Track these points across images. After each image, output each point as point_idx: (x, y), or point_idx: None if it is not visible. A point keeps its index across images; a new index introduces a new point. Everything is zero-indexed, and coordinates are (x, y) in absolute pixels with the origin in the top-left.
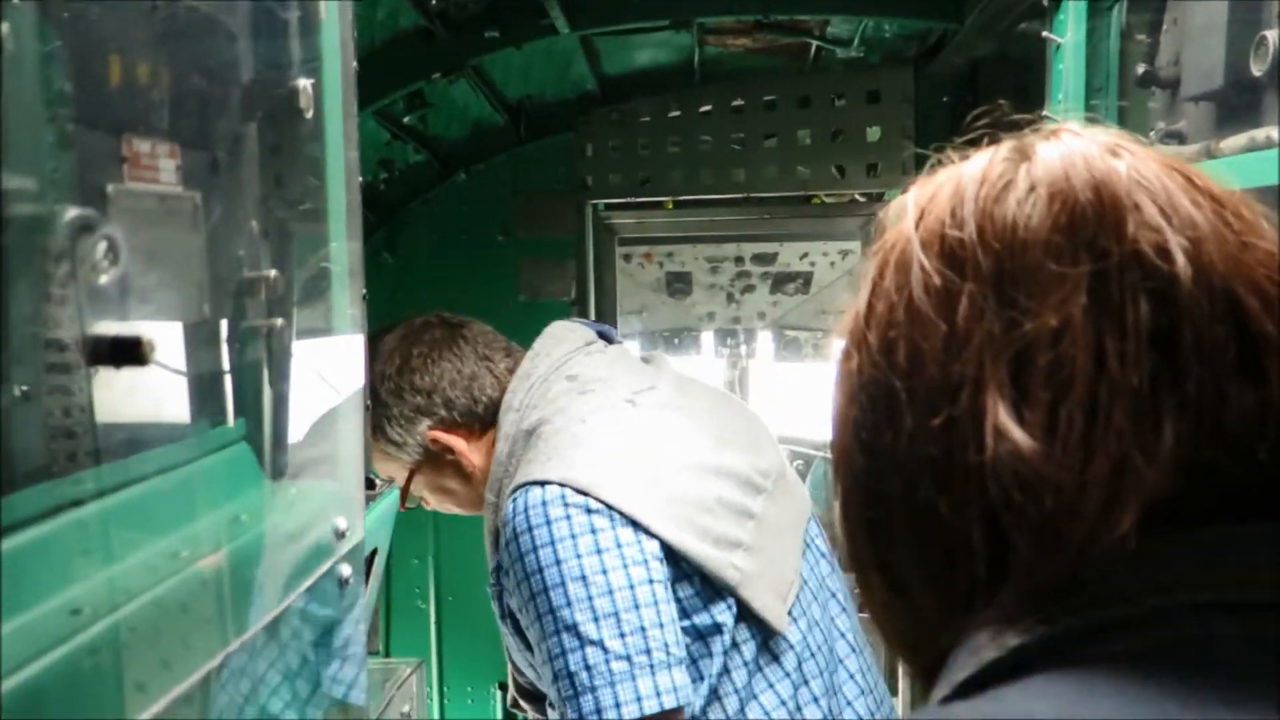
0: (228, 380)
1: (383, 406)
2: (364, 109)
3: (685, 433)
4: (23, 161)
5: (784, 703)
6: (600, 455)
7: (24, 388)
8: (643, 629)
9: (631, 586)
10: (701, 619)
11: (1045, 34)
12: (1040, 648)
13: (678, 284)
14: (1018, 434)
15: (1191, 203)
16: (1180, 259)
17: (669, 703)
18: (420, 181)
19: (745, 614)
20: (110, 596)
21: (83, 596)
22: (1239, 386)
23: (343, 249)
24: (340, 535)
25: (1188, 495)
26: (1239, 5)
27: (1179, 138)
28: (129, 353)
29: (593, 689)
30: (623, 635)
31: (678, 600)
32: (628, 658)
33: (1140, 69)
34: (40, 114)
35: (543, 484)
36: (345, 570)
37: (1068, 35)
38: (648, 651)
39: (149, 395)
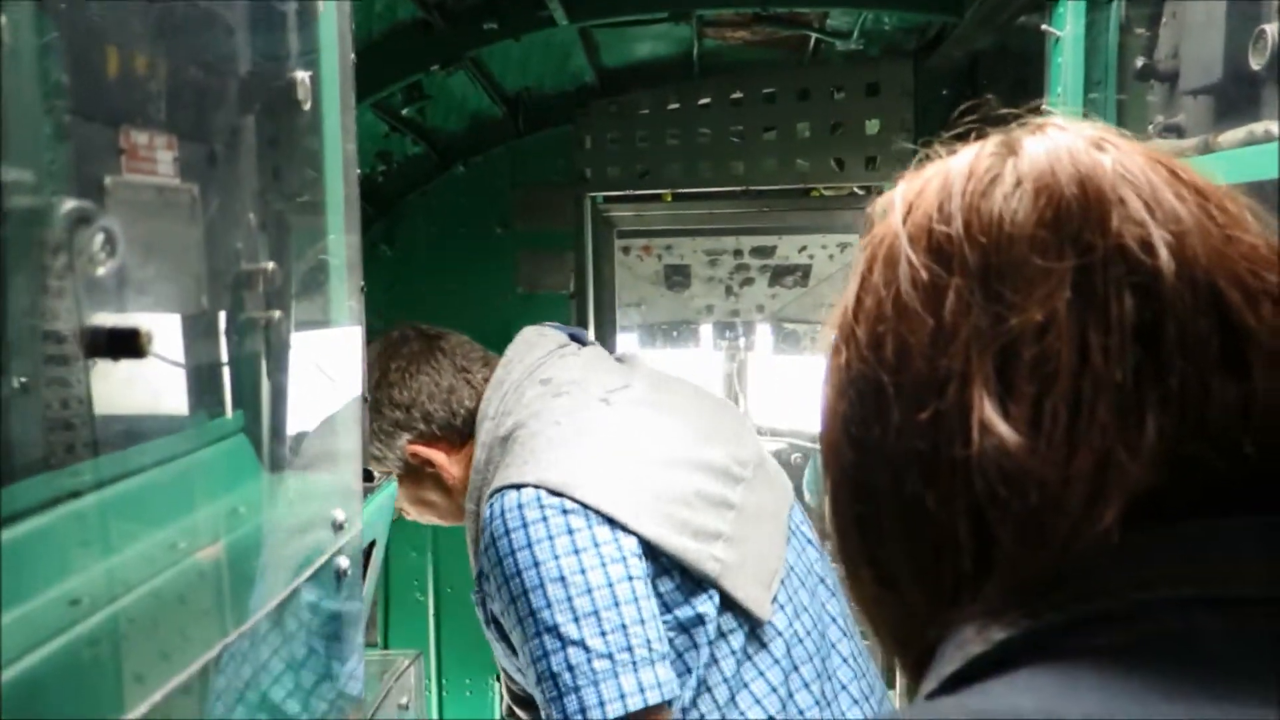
0: (226, 372)
1: None
2: (362, 101)
3: (661, 428)
4: (20, 153)
5: (774, 689)
6: (575, 455)
7: (22, 379)
8: (623, 626)
9: (610, 585)
10: (684, 612)
11: (1044, 27)
12: (1024, 641)
13: (676, 277)
14: (1003, 428)
15: (1175, 196)
16: (1164, 253)
17: (653, 698)
18: (418, 174)
19: (729, 604)
20: (109, 588)
21: (81, 587)
22: (1222, 380)
23: (341, 241)
24: (338, 527)
25: (1171, 489)
26: None
27: (1178, 131)
28: (127, 345)
29: (576, 689)
30: (604, 634)
31: (659, 595)
32: (609, 656)
33: (1139, 62)
34: (38, 106)
35: (518, 487)
36: (343, 562)
37: (1067, 29)
38: (629, 648)
39: (147, 387)
